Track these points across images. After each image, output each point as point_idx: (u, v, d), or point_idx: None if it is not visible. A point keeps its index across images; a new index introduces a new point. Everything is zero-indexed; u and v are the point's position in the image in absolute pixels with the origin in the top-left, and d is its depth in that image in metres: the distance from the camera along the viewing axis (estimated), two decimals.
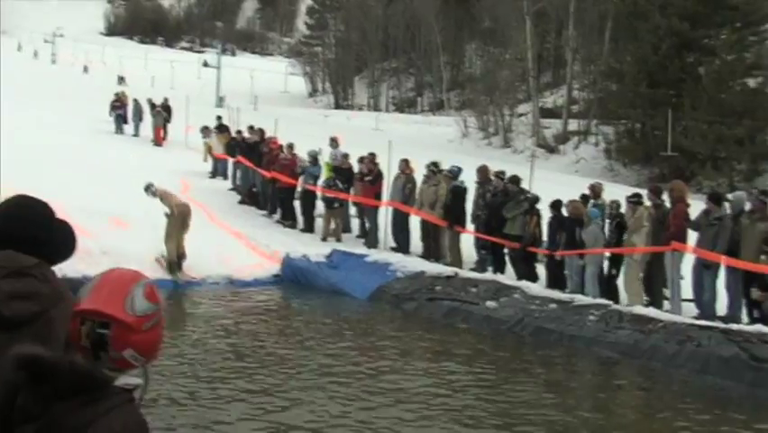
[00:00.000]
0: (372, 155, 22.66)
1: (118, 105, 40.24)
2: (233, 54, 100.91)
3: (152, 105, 39.22)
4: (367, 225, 22.31)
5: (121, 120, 39.84)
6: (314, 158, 24.05)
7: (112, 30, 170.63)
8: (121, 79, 73.79)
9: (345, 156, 23.90)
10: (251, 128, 29.24)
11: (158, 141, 37.19)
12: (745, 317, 14.68)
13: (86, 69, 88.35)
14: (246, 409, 10.26)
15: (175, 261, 17.88)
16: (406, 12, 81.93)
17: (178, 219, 18.00)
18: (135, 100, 40.36)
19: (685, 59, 47.45)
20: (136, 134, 38.83)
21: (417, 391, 11.41)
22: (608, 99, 52.76)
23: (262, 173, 25.12)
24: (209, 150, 31.88)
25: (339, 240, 21.91)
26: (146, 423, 2.73)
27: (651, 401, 12.30)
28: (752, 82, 47.11)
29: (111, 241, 17.55)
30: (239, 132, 30.54)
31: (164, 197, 18.42)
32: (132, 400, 2.73)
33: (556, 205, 17.94)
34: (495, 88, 61.13)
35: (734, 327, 13.45)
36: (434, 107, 77.70)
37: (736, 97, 45.17)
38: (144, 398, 2.80)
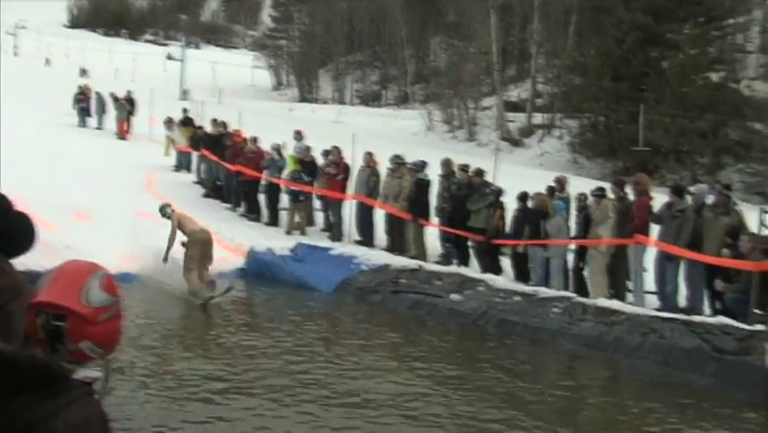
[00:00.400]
0: (337, 148, 22.60)
1: (81, 98, 39.99)
2: (198, 47, 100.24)
3: (115, 99, 38.98)
4: (331, 218, 22.26)
5: (84, 113, 39.61)
6: (278, 151, 24.00)
7: (75, 22, 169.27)
8: (83, 72, 73.22)
9: (307, 149, 23.82)
10: (213, 121, 29.11)
11: (121, 134, 37.01)
12: (707, 309, 14.78)
13: (48, 62, 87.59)
14: (207, 406, 10.22)
15: (197, 289, 16.06)
16: (370, 5, 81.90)
17: (195, 248, 16.23)
18: (98, 93, 40.12)
19: (649, 53, 47.69)
20: (100, 127, 38.64)
21: (378, 386, 11.40)
22: (573, 93, 52.98)
23: (227, 166, 25.02)
24: (172, 143, 31.75)
25: (303, 233, 21.85)
26: (106, 416, 2.70)
27: (614, 393, 12.37)
28: (714, 76, 47.47)
29: (74, 235, 17.42)
30: (199, 127, 30.39)
31: (181, 221, 16.62)
32: (91, 394, 2.69)
33: (523, 197, 18.00)
34: (460, 82, 61.19)
35: (696, 318, 13.54)
36: (398, 101, 77.68)
37: (699, 91, 45.47)
38: (108, 391, 2.77)
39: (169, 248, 16.30)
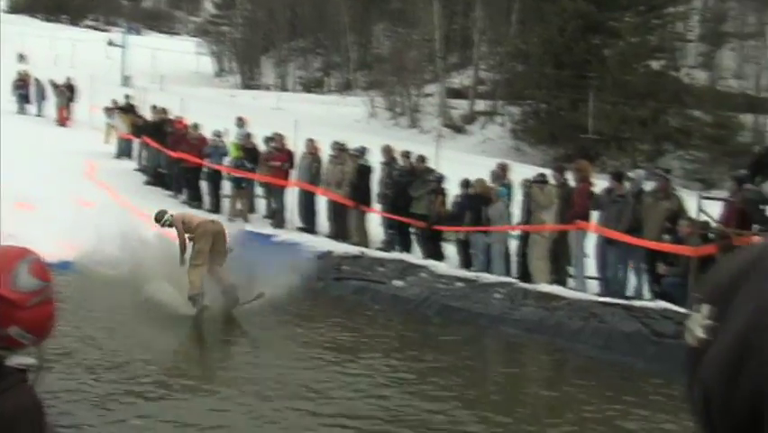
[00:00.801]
0: (280, 135, 22.52)
1: (21, 85, 39.47)
2: (140, 33, 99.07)
3: (55, 85, 38.53)
4: (274, 205, 22.20)
5: (23, 100, 39.11)
6: (219, 138, 23.87)
7: (14, 7, 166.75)
8: (21, 58, 72.24)
9: (249, 136, 23.70)
10: (153, 108, 28.88)
11: (61, 121, 36.59)
12: (647, 293, 14.92)
13: None
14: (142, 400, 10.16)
15: (198, 293, 14.32)
16: None
17: (205, 240, 14.68)
18: (37, 80, 39.64)
19: (591, 41, 47.93)
20: (39, 114, 38.16)
21: (319, 374, 11.39)
22: (515, 80, 53.12)
23: (168, 153, 24.85)
24: (113, 130, 31.46)
25: (246, 220, 21.77)
26: (41, 404, 2.66)
27: (555, 377, 12.46)
28: (655, 64, 47.82)
29: (17, 224, 17.20)
30: (139, 116, 30.12)
31: (186, 221, 15.09)
32: (25, 381, 2.66)
33: (465, 183, 18.04)
34: (402, 69, 61.08)
35: (636, 303, 13.68)
36: (341, 87, 77.39)
37: (640, 79, 45.77)
38: (43, 378, 2.73)
39: (182, 252, 14.69)
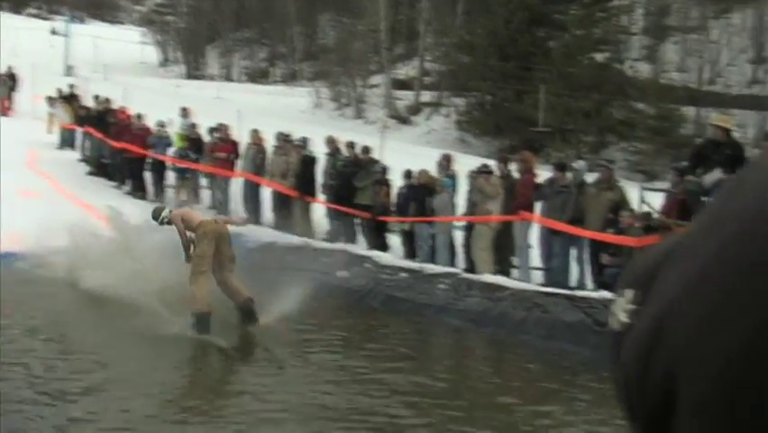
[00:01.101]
0: (224, 126, 22.41)
1: None
2: (83, 22, 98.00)
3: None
4: (218, 195, 22.07)
5: None
6: (163, 128, 23.71)
7: None
8: None
9: (193, 126, 23.55)
10: (96, 98, 28.62)
11: (3, 110, 36.13)
12: (590, 283, 15.02)
13: None
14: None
15: (205, 311, 12.66)
16: None
17: (207, 242, 13.09)
18: None
19: (535, 33, 48.16)
20: None
21: (259, 370, 11.34)
22: (460, 71, 53.20)
23: (112, 144, 24.64)
24: (56, 120, 31.12)
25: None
26: None
27: (499, 367, 12.50)
28: (599, 57, 48.12)
29: None
30: (82, 106, 29.80)
31: (185, 219, 13.54)
32: None
33: (408, 174, 18.04)
34: (348, 60, 61.05)
35: (579, 293, 13.77)
36: (286, 78, 77.16)
37: (584, 72, 46.05)
38: None
39: (185, 244, 13.27)
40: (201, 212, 14.76)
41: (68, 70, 55.18)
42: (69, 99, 31.41)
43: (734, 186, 0.57)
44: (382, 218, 18.31)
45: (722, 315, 0.51)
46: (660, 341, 0.59)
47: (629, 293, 0.69)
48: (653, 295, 0.63)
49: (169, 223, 13.57)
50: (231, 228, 14.10)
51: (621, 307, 0.69)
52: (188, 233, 13.34)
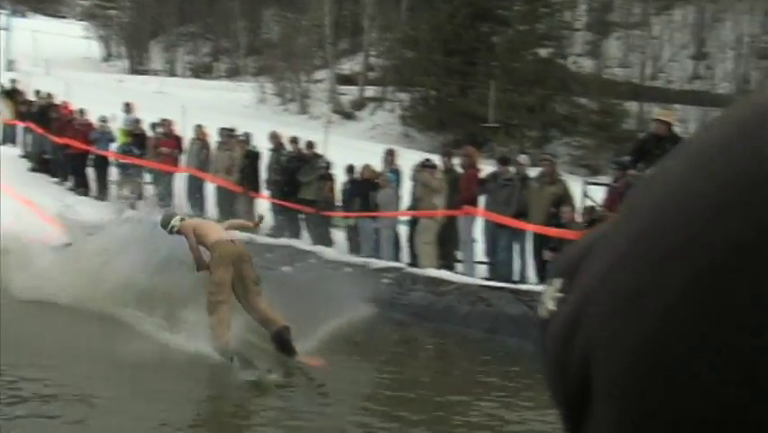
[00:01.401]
0: (168, 121, 22.27)
1: None
2: (24, 16, 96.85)
3: None
4: (161, 191, 21.91)
5: None
6: (106, 123, 23.51)
7: None
8: None
9: (136, 121, 23.37)
10: (37, 93, 28.32)
11: None
12: (533, 277, 15.10)
13: None
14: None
15: (227, 348, 11.33)
16: None
17: (224, 268, 11.82)
18: None
19: (479, 28, 48.33)
20: None
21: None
22: (404, 67, 53.26)
23: (54, 140, 24.40)
24: None
25: (133, 207, 21.45)
26: None
27: (444, 361, 12.53)
28: (543, 52, 48.41)
29: None
30: (23, 100, 29.47)
31: (198, 231, 12.28)
32: None
33: (350, 169, 18.05)
34: (292, 54, 60.93)
35: (523, 287, 13.84)
36: (230, 73, 76.85)
37: (528, 67, 46.32)
38: None
39: (197, 259, 12.07)
40: (214, 223, 13.56)
41: (9, 65, 54.42)
42: (11, 94, 31.01)
43: (649, 178, 0.59)
44: (326, 213, 18.30)
45: (632, 302, 0.54)
46: (578, 328, 0.60)
47: (557, 282, 0.70)
48: (576, 283, 0.65)
49: (179, 232, 12.40)
50: None
51: (549, 295, 0.70)
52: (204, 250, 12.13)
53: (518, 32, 47.95)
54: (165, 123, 22.30)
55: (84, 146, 23.16)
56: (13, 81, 33.07)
